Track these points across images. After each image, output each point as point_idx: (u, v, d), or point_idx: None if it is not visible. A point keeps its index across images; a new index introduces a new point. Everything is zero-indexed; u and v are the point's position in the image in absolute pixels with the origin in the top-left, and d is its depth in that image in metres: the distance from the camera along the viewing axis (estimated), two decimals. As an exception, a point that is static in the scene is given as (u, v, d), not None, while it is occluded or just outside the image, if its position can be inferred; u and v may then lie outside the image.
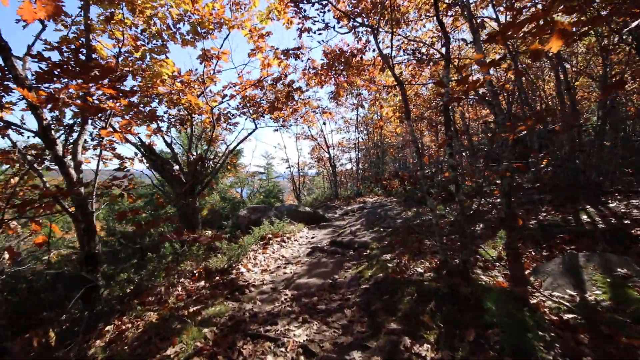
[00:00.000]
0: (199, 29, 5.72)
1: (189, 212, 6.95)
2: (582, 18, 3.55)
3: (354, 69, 8.63)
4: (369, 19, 7.08)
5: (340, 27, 6.15)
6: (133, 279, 4.38)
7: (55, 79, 2.69)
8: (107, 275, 4.54)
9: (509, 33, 2.36)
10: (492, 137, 13.11)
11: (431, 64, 9.46)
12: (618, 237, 4.51)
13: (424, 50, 8.00)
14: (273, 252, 6.23)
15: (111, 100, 3.43)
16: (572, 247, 4.52)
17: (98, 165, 4.23)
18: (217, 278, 4.77)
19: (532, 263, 4.21)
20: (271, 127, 10.00)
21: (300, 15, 6.27)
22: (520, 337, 2.37)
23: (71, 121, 4.58)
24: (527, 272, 3.95)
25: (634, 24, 3.83)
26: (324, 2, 5.75)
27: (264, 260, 5.73)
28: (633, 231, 4.49)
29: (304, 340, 2.96)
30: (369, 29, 7.75)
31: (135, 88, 5.82)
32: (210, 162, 7.58)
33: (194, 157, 7.02)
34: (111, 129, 3.97)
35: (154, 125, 7.10)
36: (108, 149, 4.80)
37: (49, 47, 3.97)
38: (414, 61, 7.95)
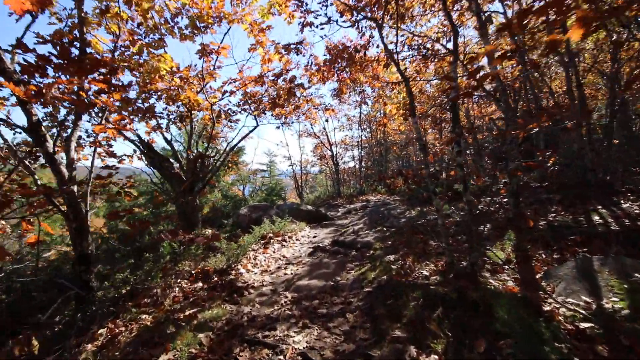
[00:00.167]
0: (197, 23, 5.57)
1: (188, 211, 6.82)
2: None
3: (357, 65, 8.44)
4: (372, 13, 6.88)
5: (343, 21, 5.96)
6: (129, 279, 4.26)
7: (40, 71, 2.54)
8: (103, 275, 4.42)
9: (526, 21, 2.19)
10: (500, 135, 12.87)
11: (437, 59, 9.24)
12: (632, 239, 4.31)
13: (429, 45, 7.79)
14: (274, 252, 6.09)
15: (104, 95, 3.29)
16: (584, 250, 4.34)
17: (92, 162, 4.10)
18: (216, 279, 4.63)
19: (542, 266, 4.04)
20: (273, 124, 9.86)
21: (302, 9, 6.10)
22: (535, 349, 2.21)
23: (68, 117, 4.45)
24: (538, 276, 3.78)
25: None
26: (327, -5, 5.57)
27: (264, 260, 5.59)
28: (649, 233, 4.30)
29: (303, 348, 2.81)
30: (372, 23, 7.56)
31: (132, 84, 5.69)
32: (211, 160, 7.44)
33: (194, 154, 6.89)
34: (105, 125, 3.83)
35: (153, 122, 6.97)
36: (104, 146, 4.67)
37: (41, 40, 3.83)
38: (419, 57, 7.73)
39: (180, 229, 7.18)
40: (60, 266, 5.55)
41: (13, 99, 4.04)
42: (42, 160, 4.89)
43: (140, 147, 6.49)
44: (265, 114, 8.66)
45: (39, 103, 3.11)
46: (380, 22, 4.86)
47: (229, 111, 7.88)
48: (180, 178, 6.82)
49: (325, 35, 6.21)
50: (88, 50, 4.94)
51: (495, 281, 3.66)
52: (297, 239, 7.15)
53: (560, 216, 5.56)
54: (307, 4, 5.99)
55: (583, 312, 2.86)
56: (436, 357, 2.37)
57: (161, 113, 6.72)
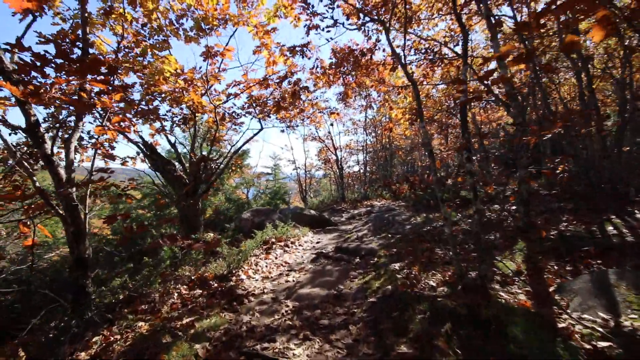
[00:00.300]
0: (202, 24, 5.52)
1: (190, 214, 6.73)
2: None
3: (363, 68, 8.35)
4: (379, 16, 6.80)
5: (349, 24, 5.88)
6: (127, 284, 4.16)
7: (37, 70, 2.46)
8: (101, 279, 4.33)
9: (543, 21, 2.07)
10: (509, 141, 12.65)
11: (444, 63, 9.13)
12: (650, 251, 4.13)
13: (436, 49, 7.69)
14: (276, 258, 5.96)
15: (104, 96, 3.21)
16: (599, 262, 4.15)
17: (92, 165, 4.03)
18: (216, 285, 4.52)
19: (555, 279, 3.85)
20: (278, 127, 9.78)
21: (308, 12, 6.03)
22: (553, 373, 2.05)
23: (69, 118, 4.39)
24: (551, 289, 3.61)
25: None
26: (334, -3, 5.50)
27: (266, 266, 5.47)
28: (668, 246, 4.10)
29: (304, 362, 2.68)
30: (379, 27, 7.47)
31: (135, 85, 5.65)
32: (214, 163, 7.37)
33: (197, 157, 6.81)
34: (106, 127, 3.76)
35: (156, 124, 6.92)
36: (106, 148, 4.61)
37: (43, 40, 3.78)
38: (427, 61, 7.62)
39: (182, 233, 7.09)
40: (60, 269, 5.48)
41: (14, 99, 3.99)
42: (42, 162, 4.85)
43: (144, 149, 6.43)
44: (269, 117, 8.58)
45: (37, 103, 3.04)
46: (387, 25, 4.76)
47: (234, 114, 7.82)
48: (182, 181, 6.74)
49: (331, 38, 6.13)
50: (92, 51, 4.91)
51: (505, 294, 3.50)
52: (299, 245, 7.02)
53: (573, 226, 5.37)
54: (313, 7, 5.92)
55: (601, 330, 2.69)
56: (445, 377, 2.22)
57: (165, 115, 6.68)
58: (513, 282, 3.88)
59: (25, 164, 3.53)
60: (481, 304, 2.92)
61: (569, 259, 4.35)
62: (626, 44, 7.36)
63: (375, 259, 5.49)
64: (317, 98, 10.03)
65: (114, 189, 4.86)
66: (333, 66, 8.26)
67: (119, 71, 4.78)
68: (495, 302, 3.14)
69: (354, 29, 6.14)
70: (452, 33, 8.78)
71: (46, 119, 4.23)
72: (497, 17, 7.04)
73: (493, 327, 2.51)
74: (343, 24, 5.56)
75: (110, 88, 3.02)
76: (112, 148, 5.08)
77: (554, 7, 1.82)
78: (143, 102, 5.88)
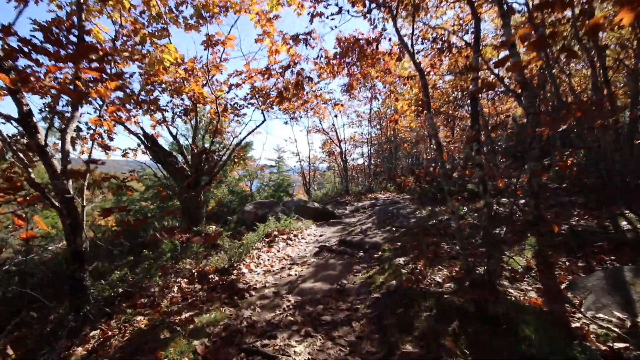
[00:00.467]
0: (203, 12, 5.35)
1: (191, 206, 6.66)
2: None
3: (368, 58, 8.13)
4: (385, 2, 6.57)
5: (354, 12, 5.67)
6: (126, 278, 4.11)
7: (25, 56, 2.35)
8: (100, 272, 4.28)
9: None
10: (517, 133, 12.37)
11: (452, 53, 8.86)
12: (665, 247, 3.96)
13: (444, 38, 7.44)
14: (278, 251, 5.88)
15: (99, 84, 3.10)
16: (612, 258, 4.00)
17: (90, 156, 3.94)
18: (217, 279, 4.45)
19: (567, 275, 3.71)
20: (281, 119, 9.64)
21: (312, -2, 5.82)
22: (568, 377, 1.93)
23: (63, 108, 4.29)
24: (562, 286, 3.47)
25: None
26: (338, -17, 5.29)
27: (268, 260, 5.39)
28: (685, 242, 3.93)
29: (305, 360, 2.59)
30: (385, 15, 7.23)
31: (131, 74, 5.53)
32: (216, 155, 7.27)
33: (199, 149, 6.71)
34: (102, 117, 3.65)
35: (157, 116, 6.81)
36: (100, 139, 4.51)
37: (37, 27, 3.66)
38: (435, 50, 7.38)
39: (184, 226, 7.04)
40: (62, 261, 5.45)
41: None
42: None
43: (144, 140, 6.34)
44: (272, 108, 8.43)
45: (30, 92, 2.93)
46: (394, 12, 4.56)
47: (236, 105, 7.68)
48: (184, 173, 6.66)
49: (335, 26, 5.94)
50: (88, 39, 4.79)
51: (515, 291, 3.37)
52: (302, 238, 6.94)
53: (584, 220, 5.20)
54: (317, -7, 5.71)
55: (617, 330, 2.56)
56: (453, 379, 2.12)
57: (166, 106, 6.56)
58: (522, 278, 3.75)
59: (21, 155, 3.44)
60: (489, 301, 2.80)
61: (581, 254, 4.20)
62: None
63: (380, 253, 5.38)
64: (321, 89, 9.84)
65: (113, 181, 4.77)
66: (337, 56, 8.05)
67: (117, 60, 4.66)
68: (504, 299, 3.02)
69: (359, 17, 5.93)
70: (461, 22, 8.51)
71: (42, 109, 4.14)
72: (509, 4, 6.77)
73: (503, 326, 2.40)
74: (348, 11, 5.36)
75: (105, 76, 2.90)
76: (111, 139, 4.98)
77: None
78: (143, 93, 5.76)
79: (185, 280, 4.36)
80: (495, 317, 2.52)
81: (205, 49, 5.69)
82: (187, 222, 6.78)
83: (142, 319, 3.35)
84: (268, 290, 4.17)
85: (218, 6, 5.51)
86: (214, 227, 7.16)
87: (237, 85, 6.52)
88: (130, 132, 6.26)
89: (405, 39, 7.52)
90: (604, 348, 2.38)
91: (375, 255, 5.32)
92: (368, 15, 7.04)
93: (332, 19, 5.82)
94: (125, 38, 4.85)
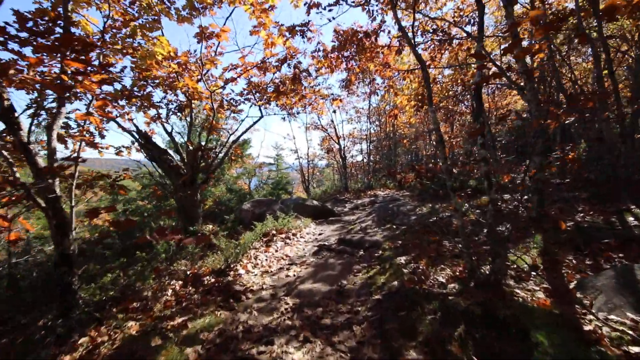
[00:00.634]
0: (196, 3, 5.15)
1: (187, 205, 6.50)
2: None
3: (367, 52, 7.94)
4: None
5: (352, 2, 5.49)
6: (118, 280, 3.96)
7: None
8: (91, 275, 4.13)
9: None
10: (518, 127, 12.22)
11: (452, 46, 8.68)
12: (675, 244, 3.84)
13: (445, 30, 7.25)
14: (276, 251, 5.74)
15: (85, 78, 2.92)
16: (620, 256, 3.87)
17: (78, 154, 3.77)
18: (212, 281, 4.30)
19: (574, 274, 3.58)
20: (279, 115, 9.44)
21: (309, -11, 5.64)
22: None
23: (52, 104, 4.09)
24: (571, 285, 3.34)
25: None
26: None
27: (266, 260, 5.25)
28: (697, 238, 3.80)
29: (303, 368, 2.45)
30: (384, 7, 7.04)
31: (126, 69, 5.34)
32: (212, 152, 7.09)
33: (194, 146, 6.54)
34: (88, 112, 3.48)
35: (151, 112, 6.63)
36: (91, 137, 4.33)
37: (21, 18, 3.47)
38: (435, 41, 7.20)
39: (180, 225, 6.89)
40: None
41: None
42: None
43: (138, 138, 6.16)
44: (270, 104, 8.24)
45: (10, 86, 2.76)
46: (395, 0, 4.39)
47: (232, 101, 7.49)
48: (179, 171, 6.49)
49: (333, 17, 5.74)
50: (77, 31, 4.60)
51: (522, 291, 3.23)
52: (301, 237, 6.80)
53: (589, 216, 5.07)
54: (314, -17, 5.53)
55: (631, 332, 2.43)
56: (461, 389, 1.98)
57: (160, 102, 6.37)
58: (529, 277, 3.61)
59: (5, 152, 3.27)
60: (497, 304, 2.66)
61: (588, 252, 4.07)
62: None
63: (380, 252, 5.25)
64: (319, 85, 9.65)
65: (105, 180, 4.61)
66: (336, 50, 7.86)
67: (107, 53, 4.47)
68: (511, 300, 2.88)
69: (358, 7, 5.75)
70: (461, 13, 8.32)
71: (30, 105, 3.97)
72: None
73: (512, 330, 2.26)
74: (346, 1, 5.17)
75: (90, 69, 2.73)
76: (102, 137, 4.81)
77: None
78: (135, 88, 5.57)
79: (180, 282, 4.21)
80: (504, 320, 2.38)
81: (198, 42, 5.49)
82: (183, 221, 6.63)
83: (133, 325, 3.20)
84: (265, 292, 4.03)
85: (211, -3, 5.32)
86: (210, 226, 7.01)
87: (233, 79, 6.32)
88: (124, 129, 6.08)
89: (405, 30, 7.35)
90: (618, 352, 2.25)
91: (376, 254, 5.19)
92: (367, 7, 6.87)
93: (330, 10, 5.64)
94: (114, 30, 4.66)
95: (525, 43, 8.11)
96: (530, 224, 4.99)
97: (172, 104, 6.60)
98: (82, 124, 4.21)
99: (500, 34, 8.83)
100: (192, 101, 6.48)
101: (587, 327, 2.55)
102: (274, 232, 6.53)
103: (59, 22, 3.74)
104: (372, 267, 4.64)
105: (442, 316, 2.69)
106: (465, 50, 9.47)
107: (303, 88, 8.21)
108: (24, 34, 2.66)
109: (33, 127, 3.56)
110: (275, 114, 10.25)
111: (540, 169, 3.96)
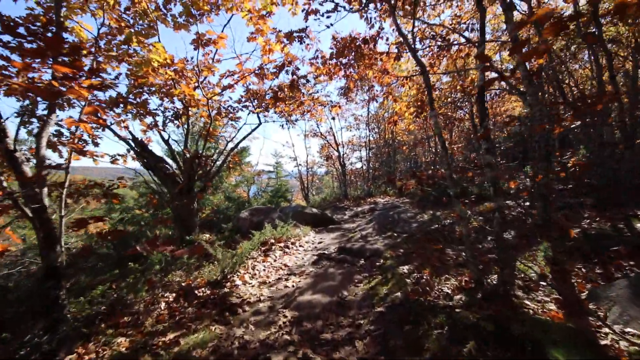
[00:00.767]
0: (192, 10, 5.10)
1: (184, 214, 6.35)
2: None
3: (365, 58, 7.90)
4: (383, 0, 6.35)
5: (350, 8, 5.44)
6: (109, 293, 3.78)
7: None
8: (82, 287, 3.96)
9: None
10: (516, 133, 12.14)
11: (450, 53, 8.66)
12: (688, 251, 3.70)
13: (444, 37, 7.23)
14: (274, 261, 5.58)
15: (71, 82, 2.81)
16: (632, 264, 3.73)
17: (69, 162, 3.64)
18: (208, 292, 4.14)
19: (585, 284, 3.43)
20: (277, 122, 9.34)
21: (307, -5, 5.60)
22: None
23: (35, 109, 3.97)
24: (582, 296, 3.20)
25: None
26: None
27: (264, 270, 5.08)
28: None
29: (302, 389, 2.29)
30: (382, 14, 7.02)
31: (121, 76, 5.26)
32: (209, 160, 6.97)
33: (191, 154, 6.42)
34: (78, 119, 3.36)
35: (148, 120, 6.52)
36: (81, 144, 4.21)
37: (10, 23, 3.39)
38: (435, 47, 7.16)
39: (176, 234, 6.73)
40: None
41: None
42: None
43: (133, 146, 6.04)
44: (268, 111, 8.15)
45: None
46: (393, 2, 4.33)
47: (230, 108, 7.40)
48: (175, 179, 6.35)
49: (331, 24, 5.70)
50: (71, 38, 4.52)
51: (531, 302, 3.08)
52: (300, 245, 6.64)
53: (596, 223, 4.94)
54: (312, -10, 5.49)
55: (651, 348, 2.28)
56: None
57: (156, 110, 6.26)
58: (537, 287, 3.47)
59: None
60: (509, 317, 2.51)
61: (597, 260, 3.93)
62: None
63: (382, 261, 5.10)
64: (317, 92, 9.59)
65: (98, 188, 4.48)
66: (334, 57, 7.81)
67: (101, 60, 4.38)
68: (522, 313, 2.73)
69: (356, 13, 5.71)
70: (460, 20, 8.32)
71: (20, 112, 3.86)
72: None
73: (528, 348, 2.11)
74: (344, 7, 5.12)
75: (81, 74, 2.62)
76: (96, 144, 4.69)
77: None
78: (131, 96, 5.48)
79: (174, 294, 4.04)
80: (519, 337, 2.23)
81: (195, 49, 5.43)
82: (180, 230, 6.47)
83: (123, 341, 3.03)
84: (263, 304, 3.86)
85: (208, 3, 5.27)
86: (207, 235, 6.85)
87: (230, 86, 6.24)
88: (119, 137, 5.96)
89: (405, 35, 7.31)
90: (640, 370, 2.11)
91: (377, 264, 5.04)
92: (365, 14, 6.84)
93: (328, 17, 5.59)
94: (109, 37, 4.58)
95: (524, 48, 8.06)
96: (536, 231, 4.85)
97: (168, 111, 6.50)
98: (74, 131, 4.10)
99: (499, 40, 8.81)
100: (189, 108, 6.39)
101: (603, 342, 2.40)
102: (273, 241, 6.37)
103: (50, 27, 3.66)
104: (373, 277, 4.48)
105: (450, 331, 2.53)
106: (463, 57, 9.45)
107: (301, 95, 8.14)
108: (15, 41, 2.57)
109: (25, 136, 3.45)
110: (274, 122, 10.18)
111: (546, 175, 3.84)
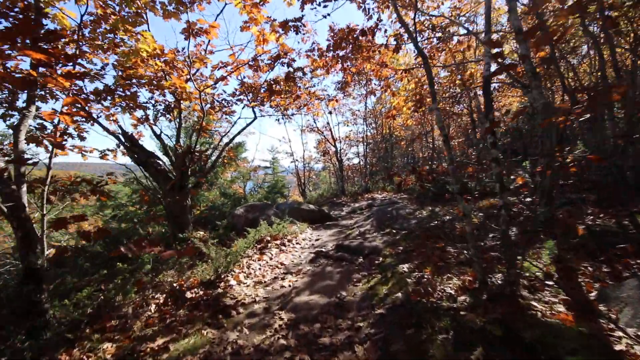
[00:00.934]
0: (183, -3, 4.85)
1: (176, 211, 6.15)
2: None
3: (363, 50, 7.69)
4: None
5: (349, -4, 5.23)
6: (96, 295, 3.60)
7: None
8: (69, 289, 3.77)
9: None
10: (519, 128, 12.02)
11: (448, 47, 8.47)
12: (697, 248, 3.58)
13: (444, 29, 7.04)
14: (270, 259, 5.42)
15: (46, 70, 2.61)
16: (639, 262, 3.61)
17: (50, 158, 3.43)
18: (201, 293, 3.97)
19: (593, 283, 3.30)
20: (273, 116, 9.11)
21: (303, -17, 5.37)
22: None
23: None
24: (591, 296, 3.07)
25: None
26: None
27: (259, 269, 4.92)
28: None
29: (299, 400, 2.14)
30: (381, 3, 6.82)
31: (108, 67, 5.02)
32: (203, 155, 6.76)
33: (183, 148, 6.21)
34: (58, 111, 3.15)
35: (138, 114, 6.29)
36: (60, 137, 4.00)
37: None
38: (434, 39, 6.98)
39: (168, 232, 6.53)
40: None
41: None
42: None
43: (123, 140, 5.82)
44: (263, 105, 7.94)
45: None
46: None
47: (223, 101, 7.18)
48: (167, 175, 6.15)
49: (328, 14, 5.49)
50: (53, 26, 4.27)
51: (539, 304, 2.94)
52: (297, 243, 6.48)
53: (600, 219, 4.83)
54: (308, -22, 5.26)
55: (667, 352, 2.15)
56: None
57: (147, 103, 6.03)
58: (543, 287, 3.33)
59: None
60: (518, 321, 2.37)
61: (604, 258, 3.81)
62: None
63: (381, 259, 4.96)
64: (314, 86, 9.38)
65: (85, 185, 4.27)
66: (331, 49, 7.60)
67: (84, 49, 4.15)
68: (530, 316, 2.59)
69: (353, 2, 5.50)
70: (459, 13, 8.13)
71: (-1, 104, 3.64)
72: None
73: (541, 356, 1.96)
74: (342, -5, 4.91)
75: (53, 60, 2.41)
76: (82, 138, 4.47)
77: None
78: (120, 88, 5.24)
79: (165, 296, 3.87)
80: (531, 344, 2.09)
81: (185, 39, 5.18)
82: (172, 228, 6.28)
83: (109, 347, 2.86)
84: (258, 305, 3.70)
85: (200, -9, 5.02)
86: (201, 232, 6.66)
87: (223, 78, 6.01)
88: (108, 131, 5.73)
89: (406, 23, 7.11)
90: (659, 378, 1.98)
91: (376, 262, 4.90)
92: (363, 5, 6.63)
93: (325, 6, 5.38)
94: (94, 25, 4.33)
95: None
96: (539, 229, 4.72)
97: (159, 104, 6.27)
98: (56, 123, 3.88)
99: (499, 32, 8.63)
100: (181, 102, 6.16)
101: (618, 347, 2.27)
102: (269, 238, 6.20)
103: (29, 14, 3.41)
104: (372, 276, 4.34)
105: (456, 336, 2.39)
106: (461, 52, 9.27)
107: (298, 88, 7.93)
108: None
109: (4, 130, 3.22)
110: (269, 116, 9.94)
111: (555, 171, 3.69)
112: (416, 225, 6.70)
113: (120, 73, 5.26)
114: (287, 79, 6.59)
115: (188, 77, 5.89)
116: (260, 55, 6.14)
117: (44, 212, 3.31)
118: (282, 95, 7.39)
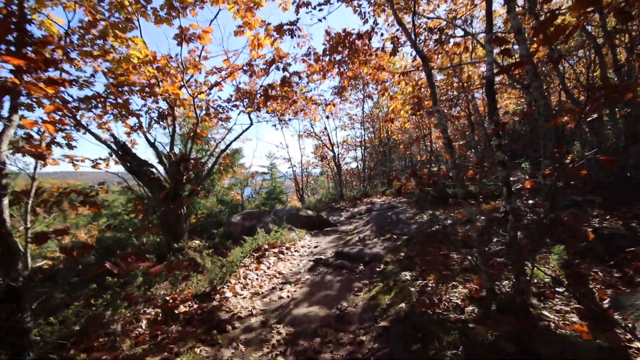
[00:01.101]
0: (175, 2, 4.75)
1: (171, 221, 5.98)
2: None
3: (360, 54, 7.61)
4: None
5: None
6: (84, 312, 3.42)
7: None
8: (56, 305, 3.59)
9: None
10: (516, 130, 11.94)
11: (445, 50, 8.42)
12: None
13: (442, 31, 6.97)
14: (268, 268, 5.25)
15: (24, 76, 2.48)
16: (651, 266, 3.47)
17: (35, 169, 3.28)
18: (195, 307, 3.80)
19: (605, 290, 3.16)
20: (269, 122, 9.00)
21: (298, -13, 5.28)
22: None
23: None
24: (605, 304, 2.92)
25: None
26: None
27: (257, 279, 4.75)
28: None
29: None
30: (377, 7, 6.75)
31: (98, 74, 4.89)
32: (198, 163, 6.61)
33: (177, 156, 6.06)
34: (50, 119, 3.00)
35: (131, 121, 6.15)
36: (42, 147, 3.83)
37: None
38: (430, 43, 6.91)
39: (163, 242, 6.36)
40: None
41: None
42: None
43: (115, 149, 5.66)
44: (260, 111, 7.81)
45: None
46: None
47: (219, 108, 7.06)
48: (160, 184, 5.99)
49: (324, 17, 5.40)
50: (40, 33, 4.14)
51: (550, 313, 2.79)
52: (295, 250, 6.31)
53: (607, 222, 4.70)
54: (303, -19, 5.18)
55: (692, 366, 2.01)
56: None
57: (139, 110, 5.90)
58: (553, 294, 3.19)
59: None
60: (531, 334, 2.22)
61: (613, 262, 3.67)
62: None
63: (382, 266, 4.80)
64: (311, 91, 9.28)
65: (73, 196, 4.11)
66: (327, 53, 7.51)
67: (73, 57, 4.03)
68: (543, 328, 2.44)
69: (349, 6, 5.41)
70: (455, 15, 8.09)
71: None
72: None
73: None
74: (337, -2, 4.83)
75: (33, 65, 2.28)
76: (71, 147, 4.32)
77: None
78: (111, 96, 5.11)
79: (158, 310, 3.69)
80: (546, 360, 1.93)
81: (178, 45, 5.07)
82: (167, 237, 6.10)
83: (95, 369, 2.69)
84: (255, 319, 3.53)
85: (192, -4, 4.92)
86: (197, 242, 6.49)
87: (217, 84, 5.90)
88: (99, 139, 5.58)
89: (400, 34, 7.03)
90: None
91: (377, 269, 4.75)
92: (358, 9, 6.55)
93: (320, 9, 5.29)
94: (82, 31, 4.21)
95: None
96: (545, 232, 4.59)
97: (153, 112, 6.14)
98: (42, 132, 3.73)
99: (495, 32, 8.58)
100: (175, 108, 6.03)
101: (639, 360, 2.12)
102: (266, 246, 6.03)
103: (13, 19, 3.29)
104: (374, 285, 4.19)
105: (466, 352, 2.24)
106: (458, 55, 9.21)
107: (294, 93, 7.82)
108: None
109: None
110: (266, 122, 9.84)
111: (562, 172, 3.57)
112: (417, 230, 6.56)
113: (111, 80, 5.13)
114: (283, 84, 6.48)
115: (182, 83, 5.76)
116: (254, 60, 6.04)
117: (28, 226, 3.14)
118: (279, 101, 7.28)
